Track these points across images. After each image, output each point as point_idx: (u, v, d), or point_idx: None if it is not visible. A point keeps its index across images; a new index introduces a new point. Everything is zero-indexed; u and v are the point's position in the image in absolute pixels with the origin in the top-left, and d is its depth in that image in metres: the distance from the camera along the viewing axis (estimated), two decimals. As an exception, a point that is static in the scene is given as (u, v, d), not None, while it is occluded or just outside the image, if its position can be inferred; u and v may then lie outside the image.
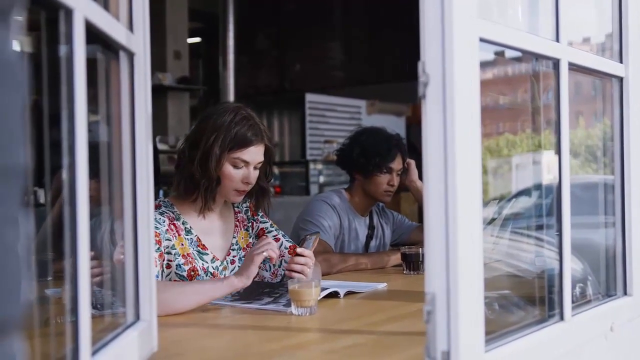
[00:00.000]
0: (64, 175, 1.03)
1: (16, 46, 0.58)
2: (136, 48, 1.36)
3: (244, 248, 2.34)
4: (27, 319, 0.61)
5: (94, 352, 1.10)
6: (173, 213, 2.21)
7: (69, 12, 0.99)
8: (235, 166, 2.18)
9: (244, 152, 2.17)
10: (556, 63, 1.51)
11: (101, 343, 1.18)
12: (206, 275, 2.19)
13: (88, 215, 1.03)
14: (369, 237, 3.11)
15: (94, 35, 1.11)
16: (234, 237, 2.33)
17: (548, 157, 1.89)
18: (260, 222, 2.41)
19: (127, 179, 1.36)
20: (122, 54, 1.33)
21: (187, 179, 2.19)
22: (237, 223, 2.37)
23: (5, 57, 0.56)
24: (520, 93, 2.07)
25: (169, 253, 2.12)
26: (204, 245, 2.23)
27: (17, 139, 0.57)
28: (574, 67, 1.57)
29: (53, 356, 1.16)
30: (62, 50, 1.03)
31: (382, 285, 2.34)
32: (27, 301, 0.59)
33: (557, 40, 1.51)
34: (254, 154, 2.19)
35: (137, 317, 1.37)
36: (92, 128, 1.11)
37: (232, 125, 2.15)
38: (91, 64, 1.09)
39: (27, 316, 0.60)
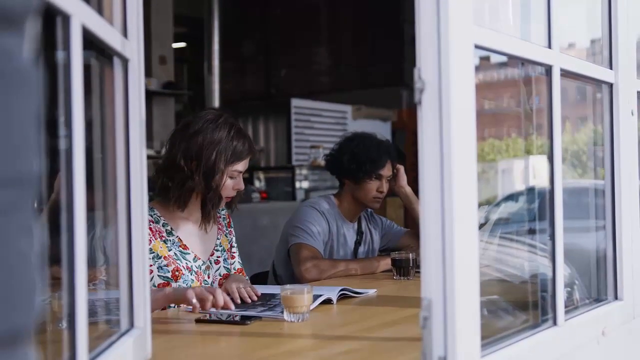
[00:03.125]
0: (56, 181, 1.03)
1: (30, 53, 0.58)
2: (130, 54, 1.35)
3: (227, 250, 2.43)
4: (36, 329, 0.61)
5: (90, 360, 1.09)
6: (152, 216, 2.25)
7: (66, 18, 0.99)
8: (231, 177, 2.28)
9: (241, 164, 2.29)
10: (548, 69, 1.52)
11: (96, 351, 1.17)
12: (190, 274, 2.25)
13: (85, 222, 1.02)
14: (358, 243, 3.11)
15: (88, 40, 1.11)
16: (218, 239, 2.41)
17: (534, 162, 1.90)
18: (233, 236, 2.52)
19: (121, 186, 1.35)
20: (116, 60, 1.33)
21: (188, 192, 2.24)
22: (220, 226, 2.45)
23: (20, 65, 0.56)
24: (506, 98, 2.09)
25: None
26: (185, 245, 2.28)
27: (31, 147, 0.56)
28: (565, 73, 1.58)
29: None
30: (59, 55, 1.02)
31: (372, 292, 2.34)
32: (40, 310, 0.59)
33: (549, 46, 1.52)
34: (247, 163, 2.32)
35: (132, 324, 1.36)
36: (85, 134, 1.10)
37: (231, 140, 2.25)
38: (85, 70, 1.09)
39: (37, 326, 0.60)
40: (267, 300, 2.12)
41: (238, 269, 2.44)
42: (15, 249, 0.55)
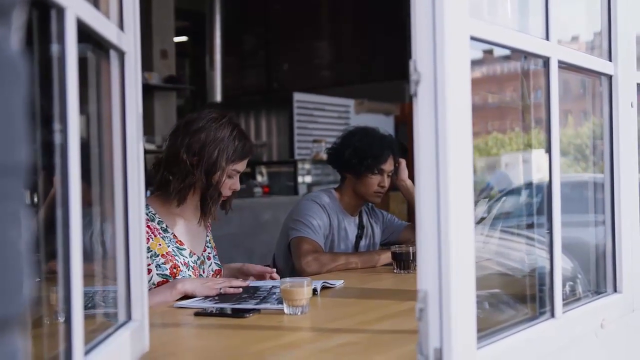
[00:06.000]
0: (56, 176, 1.03)
1: (17, 44, 0.58)
2: (127, 47, 1.35)
3: (214, 247, 2.47)
4: (26, 318, 0.61)
5: (87, 352, 1.09)
6: (147, 214, 2.26)
7: (60, 11, 0.99)
8: (230, 176, 2.31)
9: (241, 164, 2.33)
10: (546, 61, 1.52)
11: (93, 343, 1.17)
12: (188, 270, 2.27)
13: (80, 216, 1.03)
14: (359, 237, 3.11)
15: (84, 34, 1.11)
16: (207, 236, 2.45)
17: (537, 156, 1.90)
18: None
19: (118, 179, 1.36)
20: (112, 53, 1.33)
21: (187, 187, 2.27)
22: (208, 224, 2.48)
23: (7, 56, 0.56)
24: (509, 92, 2.08)
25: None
26: (180, 241, 2.31)
27: (19, 136, 0.57)
28: (563, 65, 1.58)
29: (45, 356, 1.16)
30: (53, 48, 1.02)
31: (339, 283, 2.36)
32: (28, 299, 0.59)
33: (547, 38, 1.52)
34: (245, 164, 2.36)
35: (129, 317, 1.37)
36: (83, 128, 1.10)
37: (233, 139, 2.28)
38: (81, 63, 1.09)
39: (27, 314, 0.60)
40: (253, 293, 2.12)
41: (216, 270, 2.45)
42: (4, 238, 0.55)
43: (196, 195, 2.31)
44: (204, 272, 2.35)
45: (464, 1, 1.21)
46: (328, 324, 1.79)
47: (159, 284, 2.19)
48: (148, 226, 2.23)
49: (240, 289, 2.14)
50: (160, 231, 2.27)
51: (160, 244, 2.24)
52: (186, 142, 2.25)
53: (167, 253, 2.23)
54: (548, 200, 1.54)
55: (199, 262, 2.35)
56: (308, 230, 2.85)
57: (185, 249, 2.31)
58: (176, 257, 2.25)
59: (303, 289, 1.85)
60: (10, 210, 0.56)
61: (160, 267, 2.21)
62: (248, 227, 5.63)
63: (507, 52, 1.56)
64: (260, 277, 2.41)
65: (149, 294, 2.05)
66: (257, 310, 1.89)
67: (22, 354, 0.59)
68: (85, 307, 1.14)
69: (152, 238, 2.22)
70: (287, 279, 1.94)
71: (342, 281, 2.39)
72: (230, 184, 2.32)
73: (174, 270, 2.23)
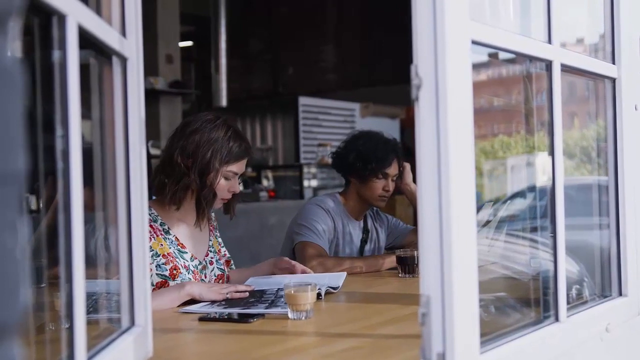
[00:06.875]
0: (59, 181, 1.03)
1: (14, 52, 0.58)
2: (129, 53, 1.36)
3: (217, 252, 2.46)
4: (24, 325, 0.61)
5: (89, 358, 1.10)
6: (150, 215, 2.26)
7: (62, 18, 0.99)
8: (226, 178, 2.30)
9: (237, 166, 2.31)
10: (549, 65, 1.52)
11: (96, 349, 1.18)
12: (188, 273, 2.27)
13: (82, 221, 1.03)
14: (364, 241, 3.11)
15: (86, 40, 1.11)
16: (210, 240, 2.45)
17: (543, 158, 1.89)
18: (219, 237, 2.54)
19: (121, 184, 1.36)
20: (114, 59, 1.33)
21: (183, 189, 2.27)
22: (211, 228, 2.48)
23: (4, 63, 0.56)
24: (515, 94, 2.08)
25: None
26: (182, 244, 2.31)
27: (16, 144, 0.57)
28: (566, 69, 1.58)
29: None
30: (55, 55, 1.03)
31: (342, 275, 2.40)
32: (25, 305, 0.60)
33: (550, 41, 1.52)
34: (243, 165, 2.35)
35: (132, 322, 1.37)
36: (84, 134, 1.10)
37: (227, 140, 2.28)
38: (83, 69, 1.09)
39: (24, 321, 0.60)
40: (260, 297, 2.12)
41: (218, 275, 2.45)
42: (1, 245, 0.55)
43: (195, 198, 2.31)
44: (205, 276, 2.35)
45: (465, 5, 1.21)
46: (332, 329, 1.79)
47: (158, 285, 2.19)
48: (150, 226, 2.23)
49: (247, 294, 2.14)
50: (163, 232, 2.27)
51: (162, 244, 2.25)
52: (181, 144, 2.27)
53: (168, 254, 2.24)
54: (552, 203, 1.53)
55: (200, 266, 2.35)
56: (312, 235, 2.86)
57: (186, 252, 2.31)
58: (177, 259, 2.25)
59: (307, 293, 1.85)
60: (8, 218, 0.56)
61: (160, 267, 2.21)
62: (254, 231, 5.64)
63: (512, 55, 1.56)
64: (290, 271, 2.44)
65: (156, 294, 2.06)
66: (262, 315, 1.88)
67: (19, 361, 0.59)
68: (88, 312, 1.14)
69: (154, 237, 2.23)
70: (291, 284, 1.94)
71: (345, 273, 2.42)
72: (228, 186, 2.31)
73: (174, 272, 2.23)
